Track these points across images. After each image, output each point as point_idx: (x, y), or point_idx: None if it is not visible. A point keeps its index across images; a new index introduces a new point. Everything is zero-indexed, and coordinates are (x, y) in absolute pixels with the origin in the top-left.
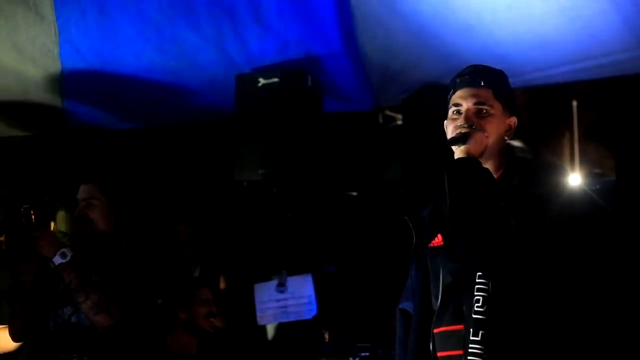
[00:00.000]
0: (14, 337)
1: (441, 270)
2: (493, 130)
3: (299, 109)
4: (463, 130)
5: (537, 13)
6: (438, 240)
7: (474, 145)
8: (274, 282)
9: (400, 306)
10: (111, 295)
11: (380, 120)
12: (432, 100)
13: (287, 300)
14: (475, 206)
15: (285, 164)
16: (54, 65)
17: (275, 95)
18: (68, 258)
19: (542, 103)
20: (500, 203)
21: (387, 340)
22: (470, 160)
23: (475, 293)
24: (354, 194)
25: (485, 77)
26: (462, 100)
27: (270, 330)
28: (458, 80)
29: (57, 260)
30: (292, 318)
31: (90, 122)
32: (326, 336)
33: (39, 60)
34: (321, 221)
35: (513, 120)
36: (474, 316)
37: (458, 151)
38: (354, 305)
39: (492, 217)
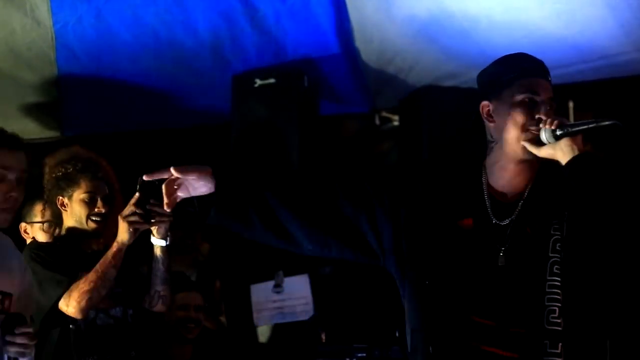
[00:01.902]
0: (78, 311)
1: (472, 257)
2: None
3: (296, 109)
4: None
5: (534, 18)
6: (468, 222)
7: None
8: (270, 283)
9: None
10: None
11: (377, 122)
12: (429, 101)
13: (283, 301)
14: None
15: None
16: (51, 70)
17: (271, 95)
18: (169, 243)
19: None
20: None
21: (384, 341)
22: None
23: (547, 303)
24: None
25: (549, 74)
26: (541, 90)
27: (267, 332)
28: (529, 66)
29: (165, 242)
30: (288, 319)
31: (87, 126)
32: (323, 337)
33: (35, 65)
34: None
35: None
36: (548, 327)
37: (575, 144)
38: (351, 306)
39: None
